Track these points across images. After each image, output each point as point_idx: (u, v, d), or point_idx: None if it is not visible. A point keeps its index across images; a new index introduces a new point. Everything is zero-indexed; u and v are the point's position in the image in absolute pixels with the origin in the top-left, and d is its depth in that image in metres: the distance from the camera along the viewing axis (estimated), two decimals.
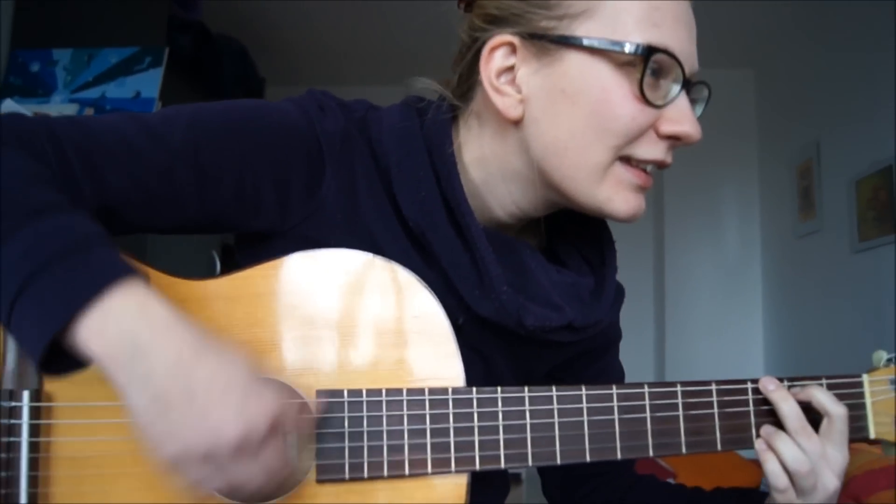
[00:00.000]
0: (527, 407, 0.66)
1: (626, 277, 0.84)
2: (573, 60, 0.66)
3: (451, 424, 0.65)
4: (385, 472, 0.64)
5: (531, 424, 0.66)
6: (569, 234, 0.82)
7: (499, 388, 0.66)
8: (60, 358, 0.54)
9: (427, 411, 0.65)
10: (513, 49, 0.69)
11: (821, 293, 3.09)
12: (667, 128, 0.67)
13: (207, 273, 0.68)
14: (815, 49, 3.18)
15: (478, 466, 0.65)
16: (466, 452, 0.65)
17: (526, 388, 0.67)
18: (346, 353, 0.65)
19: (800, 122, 3.33)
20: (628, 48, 0.64)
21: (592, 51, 0.66)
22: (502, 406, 0.66)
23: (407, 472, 0.64)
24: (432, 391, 0.65)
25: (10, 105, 1.97)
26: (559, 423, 0.67)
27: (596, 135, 0.66)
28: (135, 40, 2.35)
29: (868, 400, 0.73)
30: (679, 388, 0.69)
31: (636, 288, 3.83)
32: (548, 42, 0.67)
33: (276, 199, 0.68)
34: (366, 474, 0.64)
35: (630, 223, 0.72)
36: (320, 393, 0.64)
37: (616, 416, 0.68)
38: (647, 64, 0.64)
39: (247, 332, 0.65)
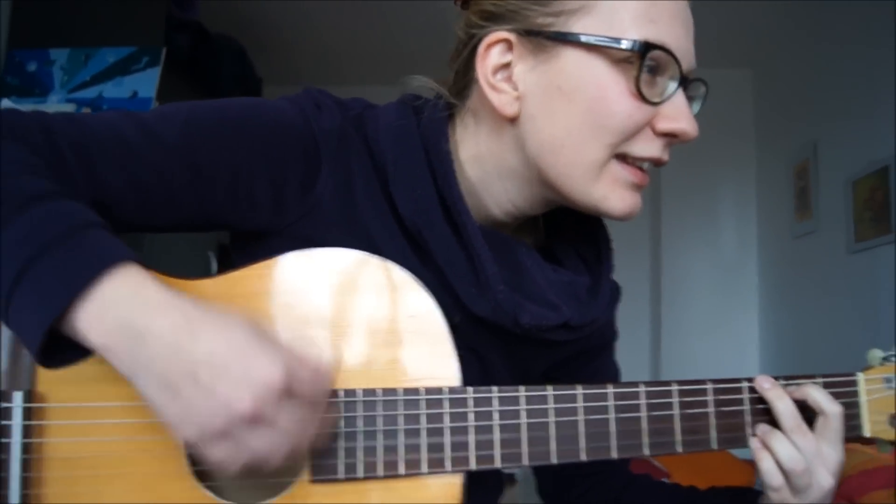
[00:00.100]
0: (522, 406, 0.66)
1: (622, 276, 0.84)
2: (569, 57, 0.66)
3: (447, 424, 0.65)
4: (380, 472, 0.64)
5: (526, 424, 0.66)
6: (565, 232, 0.82)
7: (494, 388, 0.66)
8: (60, 349, 0.54)
9: (422, 411, 0.65)
10: (509, 46, 0.69)
11: (817, 293, 3.10)
12: (663, 125, 0.67)
13: (204, 273, 0.67)
14: (813, 50, 3.19)
15: (473, 466, 0.65)
16: (462, 452, 0.65)
17: (521, 388, 0.67)
18: (342, 353, 0.65)
19: (797, 122, 3.33)
20: (625, 45, 0.64)
21: (589, 47, 0.66)
22: (497, 406, 0.66)
23: (402, 471, 0.64)
24: (428, 391, 0.65)
25: (7, 105, 1.97)
26: (554, 422, 0.67)
27: (592, 132, 0.66)
28: (132, 40, 2.35)
29: (863, 398, 0.73)
30: (675, 388, 0.69)
31: (633, 286, 3.82)
32: (544, 39, 0.67)
33: (271, 197, 0.68)
34: (361, 474, 0.63)
35: (626, 221, 0.71)
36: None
37: (611, 415, 0.68)
38: (643, 60, 0.64)
39: None
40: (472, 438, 0.65)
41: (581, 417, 0.67)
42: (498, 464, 0.65)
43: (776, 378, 0.71)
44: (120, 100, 2.27)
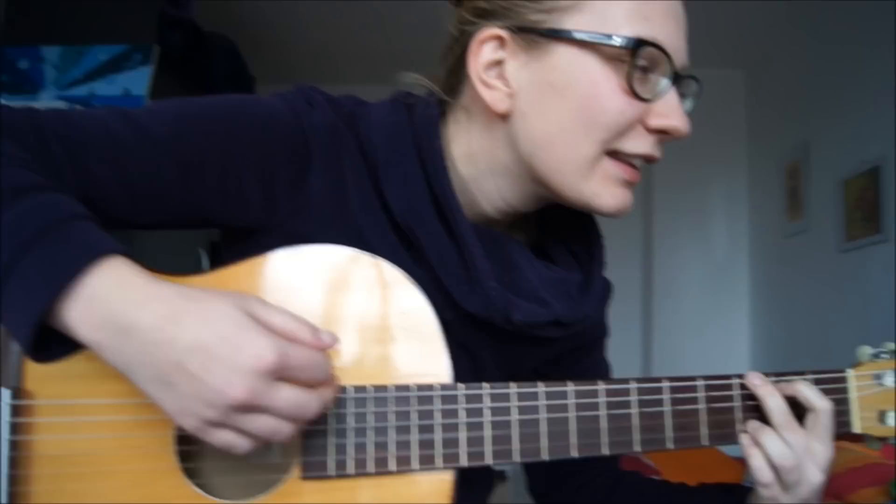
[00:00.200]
0: (513, 403, 0.66)
1: (614, 273, 0.84)
2: (562, 54, 0.66)
3: (438, 421, 0.65)
4: (371, 469, 0.64)
5: (517, 421, 0.66)
6: (557, 229, 0.82)
7: (486, 385, 0.66)
8: (52, 344, 0.54)
9: (413, 408, 0.65)
10: (501, 42, 0.69)
11: (808, 291, 3.12)
12: (655, 122, 0.67)
13: (195, 270, 0.67)
14: (806, 50, 3.20)
15: (464, 463, 0.65)
16: (453, 449, 0.65)
17: (513, 385, 0.67)
18: (336, 349, 0.65)
19: (789, 122, 3.35)
20: (617, 41, 0.64)
21: (581, 44, 0.66)
22: (489, 402, 0.66)
23: (393, 468, 0.64)
24: (419, 388, 0.65)
25: None
26: (545, 419, 0.67)
27: (584, 128, 0.66)
28: (125, 38, 2.34)
29: (852, 395, 0.73)
30: (665, 384, 0.69)
31: (624, 284, 3.84)
32: (537, 35, 0.67)
33: (261, 194, 0.68)
34: (352, 471, 0.63)
35: (617, 218, 0.71)
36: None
37: (602, 411, 0.68)
38: (636, 57, 0.64)
39: None
40: (463, 435, 0.65)
41: (572, 414, 0.67)
42: (489, 460, 0.66)
43: (767, 375, 0.71)
44: (112, 98, 2.26)
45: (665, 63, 0.66)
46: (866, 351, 0.75)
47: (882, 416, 0.73)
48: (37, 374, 0.61)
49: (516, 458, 0.66)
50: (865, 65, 2.70)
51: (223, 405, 0.51)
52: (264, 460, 0.67)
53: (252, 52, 3.04)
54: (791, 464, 0.67)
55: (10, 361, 0.61)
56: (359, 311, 0.65)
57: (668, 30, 0.66)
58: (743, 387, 0.71)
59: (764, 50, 3.52)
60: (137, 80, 2.28)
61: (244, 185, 0.67)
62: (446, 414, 0.65)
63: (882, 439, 0.74)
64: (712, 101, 3.58)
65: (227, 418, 0.52)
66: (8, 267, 0.51)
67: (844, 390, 0.73)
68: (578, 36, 0.65)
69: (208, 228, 0.72)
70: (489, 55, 0.69)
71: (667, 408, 0.69)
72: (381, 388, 0.64)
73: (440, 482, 0.65)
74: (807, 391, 0.69)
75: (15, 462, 0.60)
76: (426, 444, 0.64)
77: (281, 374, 0.53)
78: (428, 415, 0.65)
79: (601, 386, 0.68)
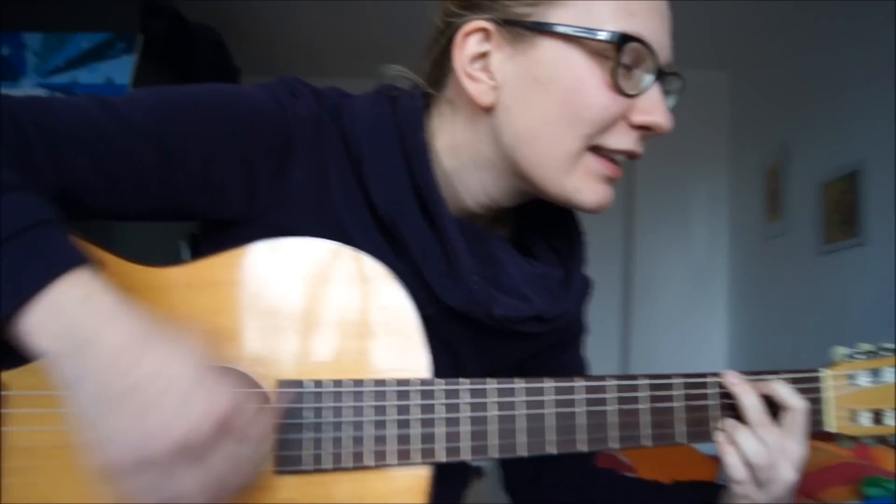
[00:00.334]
0: (492, 399, 0.66)
1: (595, 271, 0.85)
2: (547, 47, 0.66)
3: (416, 416, 0.65)
4: (348, 464, 0.63)
5: (496, 416, 0.66)
6: (539, 225, 0.82)
7: (464, 380, 0.66)
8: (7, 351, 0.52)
9: (391, 402, 0.64)
10: (487, 35, 0.68)
11: (786, 293, 3.15)
12: (638, 118, 0.68)
13: (175, 262, 0.66)
14: (788, 55, 3.23)
15: (442, 458, 0.65)
16: (430, 444, 0.65)
17: (491, 380, 0.67)
18: (310, 343, 0.64)
19: (770, 125, 3.38)
20: (602, 36, 0.64)
21: (567, 38, 0.66)
22: (467, 398, 0.66)
23: (370, 463, 0.63)
24: (397, 382, 0.65)
25: None
26: (523, 415, 0.67)
27: (567, 123, 0.67)
28: (108, 26, 2.32)
29: (826, 395, 0.74)
30: (643, 381, 0.70)
31: (605, 282, 3.85)
32: (522, 28, 0.67)
33: (242, 185, 0.67)
34: (328, 465, 0.63)
35: (597, 214, 0.72)
36: (282, 383, 0.63)
37: (580, 408, 0.68)
38: (620, 52, 0.65)
39: (208, 320, 0.63)
40: (441, 431, 0.65)
41: (550, 411, 0.67)
42: (467, 456, 0.65)
43: (743, 373, 0.72)
44: (94, 86, 2.24)
45: (649, 59, 0.66)
46: (841, 351, 0.76)
47: (855, 416, 0.74)
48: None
49: (494, 454, 0.66)
50: (846, 70, 2.73)
51: (150, 444, 0.49)
52: None
53: (237, 43, 3.02)
54: (765, 462, 0.68)
55: None
56: (339, 305, 0.65)
57: (652, 26, 0.67)
58: (720, 385, 0.72)
59: (748, 53, 3.55)
60: (120, 69, 2.27)
61: (226, 176, 0.66)
62: (424, 409, 0.65)
63: (854, 439, 0.75)
64: (696, 103, 3.62)
65: (146, 461, 0.49)
66: None
67: (819, 390, 0.74)
68: (564, 30, 0.65)
69: (189, 221, 0.71)
70: (474, 48, 0.69)
71: (644, 405, 0.70)
72: (358, 383, 0.64)
73: (417, 478, 0.65)
74: (782, 390, 0.70)
75: None
76: (403, 440, 0.64)
77: (224, 431, 0.51)
78: (405, 410, 0.65)
79: (579, 383, 0.68)
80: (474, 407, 0.66)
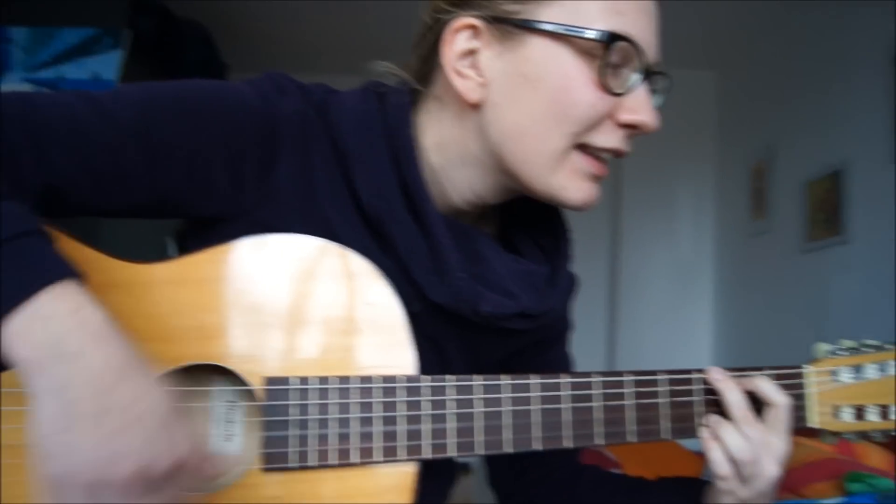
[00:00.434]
0: (477, 396, 0.66)
1: (581, 267, 0.85)
2: (536, 45, 0.67)
3: (402, 412, 0.65)
4: (333, 461, 0.63)
5: (481, 413, 0.66)
6: (525, 222, 0.82)
7: (450, 377, 0.66)
8: None
9: (377, 399, 0.64)
10: (475, 32, 0.68)
11: (770, 290, 3.18)
12: (625, 116, 0.68)
13: (161, 258, 0.65)
14: (774, 55, 3.26)
15: (428, 455, 0.65)
16: (416, 441, 0.65)
17: (477, 377, 0.67)
18: (296, 340, 0.64)
19: (756, 124, 3.41)
20: (591, 34, 0.65)
21: (555, 36, 0.66)
22: (453, 395, 0.66)
23: (356, 460, 0.63)
24: (383, 379, 0.65)
25: None
26: (509, 411, 0.67)
27: (555, 121, 0.67)
28: (95, 21, 2.30)
29: (809, 390, 0.75)
30: (628, 378, 0.70)
31: (592, 279, 3.88)
32: (511, 26, 0.67)
33: (228, 181, 0.67)
34: (313, 462, 0.63)
35: (583, 211, 0.72)
36: (268, 380, 0.63)
37: (566, 404, 0.68)
38: (609, 51, 0.65)
39: (193, 317, 0.63)
40: (426, 427, 0.65)
41: (536, 407, 0.68)
42: (452, 453, 0.66)
43: (727, 370, 0.73)
44: (81, 82, 2.22)
45: (637, 58, 0.66)
46: (823, 348, 0.77)
47: (837, 412, 0.75)
48: None
49: (480, 450, 0.66)
50: (832, 71, 2.75)
51: (108, 470, 0.50)
52: (225, 452, 0.67)
53: (225, 39, 3.01)
54: (749, 457, 0.68)
55: None
56: (324, 301, 0.65)
57: (640, 25, 0.67)
58: (704, 381, 0.72)
59: (734, 53, 3.57)
60: (107, 65, 2.25)
61: (211, 172, 0.66)
62: (410, 406, 0.65)
63: (837, 434, 0.76)
64: (683, 102, 3.64)
65: (99, 484, 0.50)
66: None
67: (802, 386, 0.75)
68: (552, 28, 0.66)
69: (175, 218, 0.70)
70: (463, 44, 0.69)
71: (629, 401, 0.70)
72: (344, 380, 0.64)
73: (403, 475, 0.65)
74: (766, 386, 0.71)
75: None
76: (389, 437, 0.64)
77: (182, 469, 0.53)
78: (391, 407, 0.65)
79: (565, 379, 0.69)
80: (460, 403, 0.66)
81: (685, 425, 0.72)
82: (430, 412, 0.65)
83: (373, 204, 0.69)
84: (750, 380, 0.72)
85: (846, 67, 2.64)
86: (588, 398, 0.69)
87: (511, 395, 0.67)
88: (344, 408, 0.64)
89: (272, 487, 0.63)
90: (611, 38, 0.65)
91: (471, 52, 0.69)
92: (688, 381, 0.72)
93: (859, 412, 0.75)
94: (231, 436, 0.68)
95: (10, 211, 0.53)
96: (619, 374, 0.70)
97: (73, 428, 0.50)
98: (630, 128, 0.69)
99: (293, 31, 3.53)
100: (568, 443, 0.68)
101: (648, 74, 0.69)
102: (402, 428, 0.65)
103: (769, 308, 3.17)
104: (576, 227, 0.84)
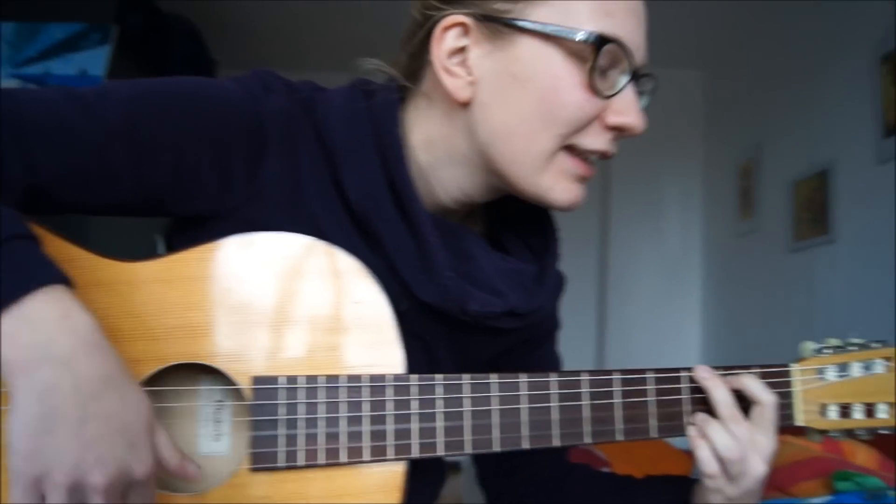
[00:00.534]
0: (466, 394, 0.66)
1: (570, 267, 0.85)
2: (525, 45, 0.67)
3: (390, 412, 0.65)
4: (322, 460, 0.63)
5: (470, 412, 0.66)
6: (513, 221, 0.82)
7: (438, 376, 0.66)
8: None
9: (365, 398, 0.64)
10: (465, 30, 0.68)
11: (757, 289, 3.20)
12: (612, 119, 0.68)
13: (150, 255, 0.65)
14: (761, 54, 3.27)
15: (416, 454, 0.65)
16: (405, 440, 0.65)
17: (465, 376, 0.67)
18: (283, 338, 0.64)
19: (743, 124, 3.43)
20: (581, 36, 0.65)
21: (545, 37, 0.66)
22: (441, 393, 0.66)
23: (344, 459, 0.63)
24: (371, 378, 0.64)
25: None
26: (497, 410, 0.67)
27: (543, 122, 0.67)
28: (83, 16, 2.29)
29: (795, 389, 0.75)
30: (616, 376, 0.70)
31: (580, 278, 3.90)
32: (501, 25, 0.67)
33: (215, 179, 0.66)
34: (302, 462, 0.63)
35: (569, 212, 0.72)
36: (256, 380, 0.63)
37: (554, 403, 0.68)
38: (598, 54, 0.65)
39: (181, 315, 0.63)
40: (415, 426, 0.65)
41: (524, 406, 0.68)
42: (441, 451, 0.66)
43: (714, 368, 0.73)
44: (68, 77, 2.21)
45: (625, 61, 0.67)
46: (809, 346, 0.77)
47: (823, 410, 0.76)
48: None
49: (468, 449, 0.66)
50: (819, 71, 2.77)
51: (84, 477, 0.51)
52: (213, 452, 0.67)
53: (214, 36, 2.99)
54: (736, 455, 0.69)
55: None
56: (312, 300, 0.64)
57: (629, 27, 0.67)
58: (691, 380, 0.73)
59: (722, 53, 3.59)
60: (95, 60, 2.23)
61: (198, 170, 0.65)
62: (398, 405, 0.65)
63: (823, 432, 0.76)
64: (670, 101, 3.66)
65: (74, 489, 0.51)
66: None
67: (788, 384, 0.75)
68: (542, 29, 0.66)
69: (162, 216, 0.70)
70: (452, 42, 0.69)
71: (617, 400, 0.70)
72: (332, 379, 0.64)
73: (392, 474, 0.65)
74: (752, 384, 0.71)
75: None
76: (378, 436, 0.64)
77: (153, 479, 0.55)
78: (380, 405, 0.64)
79: (553, 378, 0.69)
80: (448, 402, 0.66)
81: (673, 424, 0.72)
82: (419, 411, 0.65)
83: (360, 202, 0.69)
84: (736, 378, 0.72)
85: (833, 67, 2.66)
86: (576, 397, 0.69)
87: (499, 394, 0.67)
88: (332, 407, 0.64)
89: (261, 487, 0.63)
90: (600, 41, 0.65)
91: (460, 50, 0.69)
92: (676, 380, 0.73)
93: (845, 410, 0.76)
94: (219, 435, 0.67)
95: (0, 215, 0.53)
96: (607, 372, 0.71)
97: (54, 431, 0.50)
98: (617, 130, 0.69)
99: (282, 28, 3.51)
100: (556, 441, 0.68)
101: (636, 76, 0.69)
102: (390, 427, 0.64)
103: (757, 306, 3.20)
104: (564, 225, 0.84)
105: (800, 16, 2.91)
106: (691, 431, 0.72)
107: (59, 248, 0.60)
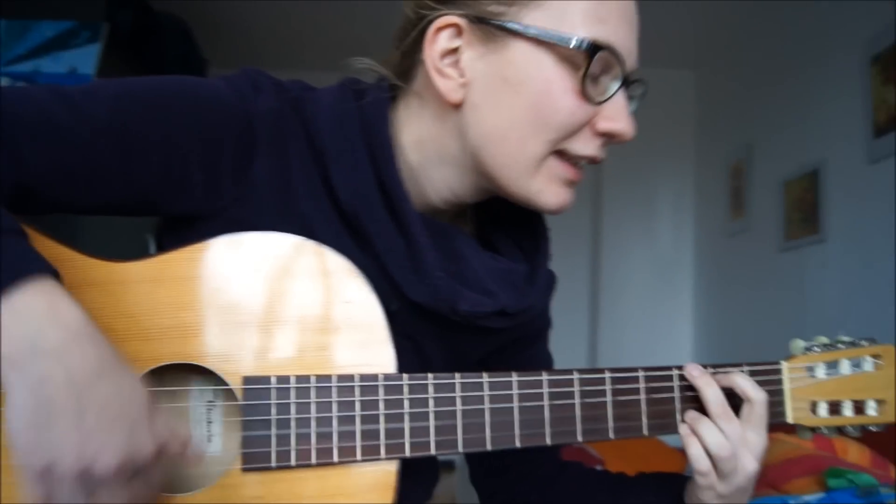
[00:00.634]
0: (457, 394, 0.66)
1: (562, 267, 0.85)
2: (518, 49, 0.66)
3: (382, 411, 0.64)
4: (313, 460, 0.63)
5: (462, 411, 0.66)
6: (503, 221, 0.82)
7: (430, 375, 0.66)
8: None
9: (357, 398, 0.64)
10: (458, 31, 0.68)
11: (748, 288, 3.21)
12: (603, 125, 0.68)
13: (141, 255, 0.64)
14: (753, 55, 3.29)
15: (408, 453, 0.65)
16: (396, 439, 0.64)
17: (457, 375, 0.67)
18: (274, 339, 0.64)
19: (734, 124, 3.44)
20: (574, 43, 0.65)
21: (538, 41, 0.66)
22: (433, 392, 0.66)
23: (336, 459, 0.63)
24: (362, 377, 0.64)
25: None
26: (489, 409, 0.67)
27: (534, 127, 0.67)
28: (72, 14, 2.27)
29: (786, 386, 0.76)
30: (607, 375, 0.71)
31: (573, 277, 3.92)
32: (494, 28, 0.67)
33: (204, 179, 0.66)
34: (293, 462, 0.62)
35: (556, 215, 0.73)
36: (247, 380, 0.63)
37: (546, 402, 0.68)
38: (590, 61, 0.65)
39: (171, 316, 0.62)
40: (407, 425, 0.65)
41: (516, 405, 0.68)
42: (433, 451, 0.65)
43: (705, 366, 0.73)
44: (57, 76, 2.19)
45: (617, 67, 0.67)
46: (799, 344, 0.78)
47: (813, 407, 0.76)
48: None
49: (460, 448, 0.66)
50: (809, 71, 2.79)
51: (90, 466, 0.50)
52: (205, 452, 0.66)
53: (205, 34, 2.98)
54: (727, 453, 0.69)
55: None
56: (302, 299, 0.64)
57: (622, 33, 0.67)
58: (682, 378, 0.73)
59: (713, 53, 3.60)
60: (85, 59, 2.22)
61: (187, 169, 0.65)
62: (390, 404, 0.65)
63: (813, 429, 0.77)
64: (662, 101, 3.67)
65: (82, 478, 0.51)
66: None
67: (779, 382, 0.76)
68: (536, 33, 0.65)
69: (151, 216, 0.70)
70: (445, 43, 0.68)
71: (608, 398, 0.70)
72: (323, 379, 0.64)
73: (384, 473, 0.64)
74: (743, 382, 0.71)
75: None
76: (370, 435, 0.64)
77: (159, 459, 0.54)
78: (372, 405, 0.64)
79: (545, 377, 0.69)
80: (440, 402, 0.66)
81: (665, 422, 0.72)
82: (410, 410, 0.65)
83: (350, 202, 0.69)
84: (727, 376, 0.73)
85: (824, 68, 2.67)
86: (568, 395, 0.69)
87: (491, 392, 0.67)
88: (323, 407, 0.63)
89: (252, 487, 0.62)
90: (594, 49, 0.65)
91: (453, 51, 0.69)
92: (667, 378, 0.73)
93: (834, 407, 0.76)
94: (211, 436, 0.67)
95: None
96: (599, 371, 0.71)
97: (52, 423, 0.50)
98: (607, 136, 0.70)
99: (273, 27, 3.51)
100: (548, 440, 0.68)
101: (627, 82, 0.69)
102: (382, 427, 0.64)
103: (748, 306, 3.21)
104: (556, 225, 0.84)
105: (791, 16, 2.92)
106: (682, 429, 0.72)
107: (49, 249, 0.59)
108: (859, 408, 0.76)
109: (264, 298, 0.64)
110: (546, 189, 0.70)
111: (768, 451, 0.72)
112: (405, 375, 0.65)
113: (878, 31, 2.33)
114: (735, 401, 0.72)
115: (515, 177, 0.69)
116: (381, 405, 0.65)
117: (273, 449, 0.62)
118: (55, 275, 0.53)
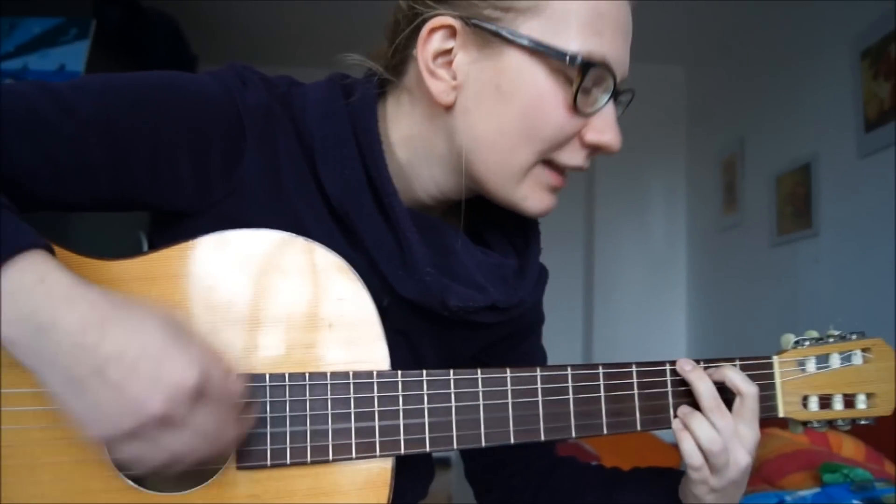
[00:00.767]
0: (452, 390, 0.66)
1: (556, 262, 0.85)
2: (512, 58, 0.66)
3: (376, 408, 0.64)
4: (308, 458, 0.63)
5: (456, 407, 0.66)
6: (494, 216, 0.81)
7: (424, 372, 0.66)
8: None
9: (351, 395, 0.64)
10: (453, 33, 0.68)
11: (741, 283, 3.23)
12: (591, 137, 0.68)
13: (134, 253, 0.64)
14: (744, 50, 3.30)
15: (403, 450, 0.64)
16: (391, 436, 0.64)
17: (451, 371, 0.67)
18: (265, 336, 0.63)
19: (726, 119, 3.45)
20: (568, 58, 0.64)
21: (532, 52, 0.65)
22: (427, 389, 0.66)
23: (330, 457, 0.63)
24: (356, 375, 0.64)
25: None
26: (483, 405, 0.67)
27: (523, 137, 0.67)
28: (60, 10, 2.26)
29: (777, 380, 0.76)
30: (600, 370, 0.71)
31: (566, 273, 3.92)
32: (489, 34, 0.66)
33: (193, 175, 0.65)
34: (288, 460, 0.62)
35: (541, 217, 0.74)
36: (241, 378, 0.62)
37: (539, 398, 0.68)
38: (584, 76, 0.64)
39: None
40: (401, 423, 0.65)
41: (510, 401, 0.68)
42: (428, 448, 0.65)
43: (697, 361, 0.73)
44: (46, 73, 2.18)
45: (608, 80, 0.66)
46: (790, 339, 0.78)
47: (804, 401, 0.76)
48: None
49: (455, 445, 0.66)
50: (800, 66, 2.79)
51: (139, 417, 0.50)
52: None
53: (194, 30, 2.97)
54: (718, 447, 0.69)
55: None
56: (293, 297, 0.64)
57: (616, 45, 0.67)
58: (674, 373, 0.73)
59: (704, 48, 3.61)
60: (74, 55, 2.21)
61: (175, 165, 0.64)
62: (384, 401, 0.64)
63: (804, 423, 0.77)
64: (654, 97, 3.68)
65: (141, 430, 0.51)
66: None
67: (770, 376, 0.76)
68: (531, 44, 0.65)
69: (140, 211, 0.69)
70: (439, 44, 0.68)
71: (602, 394, 0.70)
72: (317, 376, 0.63)
73: (380, 470, 0.64)
74: (734, 376, 0.72)
75: None
76: (364, 432, 0.64)
77: (201, 395, 0.52)
78: (366, 402, 0.64)
79: (538, 373, 0.69)
80: (434, 398, 0.66)
81: (658, 416, 0.72)
82: (404, 407, 0.65)
83: (339, 198, 0.68)
84: (718, 370, 0.73)
85: (814, 62, 2.68)
86: (562, 391, 0.69)
87: (484, 389, 0.67)
88: (318, 404, 0.63)
89: (247, 486, 0.62)
90: (587, 65, 0.64)
91: (446, 52, 0.68)
92: (660, 373, 0.73)
93: (825, 401, 0.77)
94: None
95: None
96: (592, 366, 0.71)
97: (83, 392, 0.50)
98: (594, 148, 0.70)
99: (263, 23, 3.49)
100: (542, 436, 0.68)
101: (616, 94, 0.69)
102: (377, 424, 0.64)
103: (741, 300, 3.22)
104: (549, 221, 0.84)
105: (781, 12, 2.93)
106: (675, 424, 0.72)
107: None
108: (849, 401, 0.77)
109: (254, 296, 0.63)
110: (531, 196, 0.70)
111: (763, 446, 0.72)
112: (399, 372, 0.65)
113: (869, 25, 2.34)
114: (727, 395, 0.72)
115: (502, 183, 0.70)
116: (376, 402, 0.64)
117: (268, 447, 0.62)
118: (46, 245, 0.53)
